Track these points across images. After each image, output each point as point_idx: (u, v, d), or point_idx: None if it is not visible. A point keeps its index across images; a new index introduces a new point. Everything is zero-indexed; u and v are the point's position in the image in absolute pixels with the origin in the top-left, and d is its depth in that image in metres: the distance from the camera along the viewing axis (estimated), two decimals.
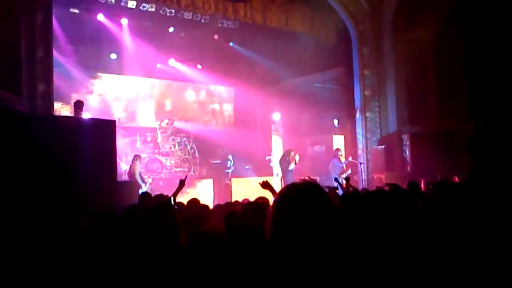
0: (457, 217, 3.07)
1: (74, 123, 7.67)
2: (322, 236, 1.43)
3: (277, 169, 13.50)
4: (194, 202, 4.96)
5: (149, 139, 13.32)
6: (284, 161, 12.28)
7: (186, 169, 13.05)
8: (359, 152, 12.45)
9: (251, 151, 14.50)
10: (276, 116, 15.47)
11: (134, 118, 14.14)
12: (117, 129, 10.19)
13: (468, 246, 2.52)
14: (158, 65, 14.11)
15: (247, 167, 14.24)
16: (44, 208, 5.55)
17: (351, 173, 11.87)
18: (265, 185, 4.54)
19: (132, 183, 9.52)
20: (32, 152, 6.22)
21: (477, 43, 11.00)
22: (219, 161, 13.86)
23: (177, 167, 13.20)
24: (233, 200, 9.35)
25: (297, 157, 12.23)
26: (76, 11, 11.68)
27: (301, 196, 1.50)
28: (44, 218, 4.96)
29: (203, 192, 12.74)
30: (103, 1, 11.22)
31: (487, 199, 3.08)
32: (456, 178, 8.27)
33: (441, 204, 3.61)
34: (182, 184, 5.48)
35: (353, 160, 12.33)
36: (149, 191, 8.25)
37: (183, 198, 6.53)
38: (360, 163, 12.04)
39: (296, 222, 1.45)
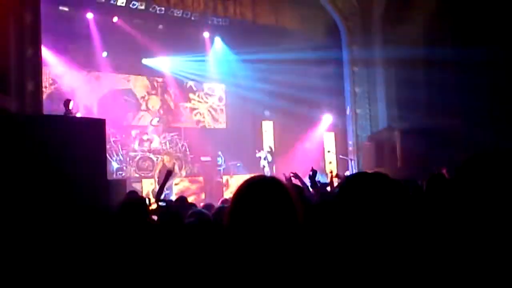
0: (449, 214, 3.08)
1: (63, 122, 7.66)
2: (274, 228, 1.51)
3: (267, 167, 13.56)
4: (181, 199, 4.99)
5: (145, 137, 13.34)
6: None
7: (177, 167, 13.06)
8: (350, 148, 12.53)
9: (242, 148, 14.52)
10: (267, 113, 15.50)
11: (124, 117, 14.10)
12: (107, 127, 10.23)
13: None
14: (146, 62, 14.06)
15: (238, 164, 14.26)
16: (34, 207, 5.55)
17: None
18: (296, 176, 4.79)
19: (122, 181, 9.50)
20: (20, 151, 6.21)
21: (465, 39, 11.08)
22: (209, 159, 13.87)
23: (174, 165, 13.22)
24: (224, 197, 9.39)
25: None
26: (66, 9, 11.63)
27: (258, 189, 1.58)
28: (34, 216, 4.97)
29: (194, 190, 12.78)
30: None
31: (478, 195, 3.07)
32: (445, 171, 8.35)
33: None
34: (169, 173, 4.95)
35: (343, 157, 12.40)
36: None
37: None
38: (350, 159, 12.11)
39: (250, 214, 1.53)
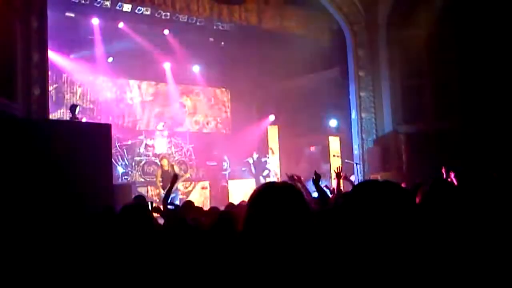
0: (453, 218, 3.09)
1: (69, 127, 7.71)
2: (290, 232, 1.50)
3: (272, 171, 13.52)
4: (188, 204, 5.00)
5: (150, 142, 13.36)
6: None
7: (183, 172, 13.06)
8: (355, 152, 12.49)
9: (247, 153, 14.52)
10: (272, 117, 15.50)
11: (129, 121, 14.14)
12: (113, 132, 10.27)
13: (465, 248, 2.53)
14: (152, 67, 14.10)
15: (243, 168, 14.26)
16: (40, 212, 5.58)
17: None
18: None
19: (127, 186, 9.53)
20: (27, 156, 6.24)
21: (470, 42, 11.05)
22: (215, 163, 13.87)
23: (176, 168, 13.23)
24: (229, 202, 9.37)
25: None
26: (72, 15, 11.71)
27: (274, 194, 1.58)
28: (40, 221, 4.99)
29: (200, 194, 12.77)
30: (98, 5, 11.24)
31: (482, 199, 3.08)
32: (453, 175, 8.29)
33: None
34: (175, 179, 5.29)
35: (348, 161, 12.36)
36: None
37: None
38: (356, 164, 12.07)
39: (266, 218, 1.53)
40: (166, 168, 10.39)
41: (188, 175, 12.76)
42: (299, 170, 13.46)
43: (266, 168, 13.92)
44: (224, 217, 3.43)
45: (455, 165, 9.04)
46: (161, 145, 13.67)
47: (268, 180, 12.82)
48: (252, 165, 13.35)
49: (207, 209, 5.35)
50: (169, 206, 4.67)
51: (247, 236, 1.54)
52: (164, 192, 8.95)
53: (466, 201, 3.54)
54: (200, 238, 3.26)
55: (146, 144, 13.24)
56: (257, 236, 1.51)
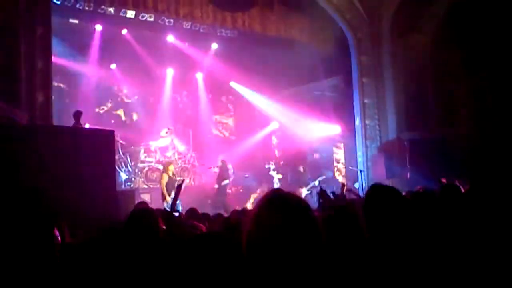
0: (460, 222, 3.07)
1: (73, 133, 7.69)
2: (297, 250, 1.42)
3: (275, 178, 13.43)
4: (192, 211, 4.96)
5: (153, 148, 13.32)
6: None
7: (188, 179, 12.99)
8: (359, 159, 12.44)
9: (251, 160, 14.48)
10: (276, 124, 15.46)
11: (134, 128, 14.13)
12: (117, 138, 10.25)
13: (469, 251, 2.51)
14: (155, 74, 14.11)
15: (246, 175, 14.21)
16: (43, 218, 5.55)
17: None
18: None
19: (130, 192, 9.50)
20: (31, 162, 6.23)
21: (474, 48, 11.03)
22: (217, 170, 13.80)
23: (177, 176, 13.19)
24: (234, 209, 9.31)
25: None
26: (76, 21, 11.73)
27: (280, 207, 1.48)
28: (43, 228, 4.96)
29: (202, 200, 12.70)
30: (102, 12, 11.27)
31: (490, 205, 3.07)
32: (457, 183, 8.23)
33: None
34: (179, 188, 5.35)
35: (352, 168, 12.31)
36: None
37: None
38: (360, 171, 12.02)
39: (271, 235, 1.43)
40: (170, 174, 10.34)
41: (186, 180, 12.72)
42: (302, 177, 13.42)
43: (269, 175, 13.86)
44: (229, 225, 3.40)
45: (460, 172, 9.01)
46: (164, 151, 13.64)
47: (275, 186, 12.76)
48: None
49: (212, 216, 5.31)
50: (174, 213, 4.64)
51: (252, 249, 1.46)
52: (171, 199, 8.89)
53: (473, 207, 3.51)
54: (200, 245, 3.22)
55: (149, 150, 13.20)
56: (262, 250, 1.43)
